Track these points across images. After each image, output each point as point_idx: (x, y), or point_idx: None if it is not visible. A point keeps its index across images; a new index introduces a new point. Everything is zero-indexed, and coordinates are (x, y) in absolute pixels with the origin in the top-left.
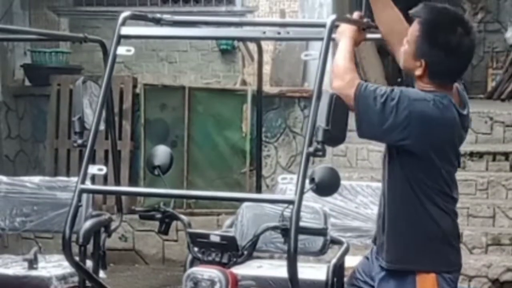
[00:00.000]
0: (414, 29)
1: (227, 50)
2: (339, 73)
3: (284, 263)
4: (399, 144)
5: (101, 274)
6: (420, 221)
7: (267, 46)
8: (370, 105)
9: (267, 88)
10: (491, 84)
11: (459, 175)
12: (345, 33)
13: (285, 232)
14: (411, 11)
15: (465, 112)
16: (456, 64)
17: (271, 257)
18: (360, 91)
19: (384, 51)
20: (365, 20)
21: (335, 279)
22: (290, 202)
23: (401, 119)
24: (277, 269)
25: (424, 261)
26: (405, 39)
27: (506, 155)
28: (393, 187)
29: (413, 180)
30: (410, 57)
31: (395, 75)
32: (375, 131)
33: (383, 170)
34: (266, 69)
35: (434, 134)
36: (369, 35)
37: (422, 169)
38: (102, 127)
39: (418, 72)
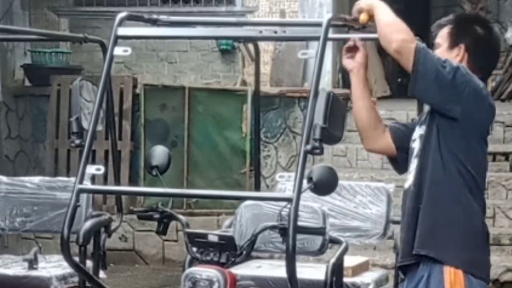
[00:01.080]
0: (443, 30)
1: (227, 50)
2: (402, 29)
3: (283, 263)
4: (447, 108)
5: (101, 274)
6: (458, 216)
7: (267, 46)
8: (431, 60)
9: (267, 88)
10: (491, 84)
11: None
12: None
13: (283, 231)
14: (433, 27)
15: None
16: (492, 51)
17: (271, 257)
18: (419, 46)
19: (384, 51)
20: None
21: (334, 279)
22: (288, 200)
23: (459, 83)
24: (276, 269)
25: (455, 255)
26: (436, 50)
27: (506, 155)
28: (432, 174)
29: (455, 170)
30: (445, 53)
31: (395, 75)
32: (430, 86)
33: (418, 158)
34: (266, 69)
35: (481, 114)
36: (369, 35)
37: (467, 156)
38: (100, 127)
39: (457, 60)
